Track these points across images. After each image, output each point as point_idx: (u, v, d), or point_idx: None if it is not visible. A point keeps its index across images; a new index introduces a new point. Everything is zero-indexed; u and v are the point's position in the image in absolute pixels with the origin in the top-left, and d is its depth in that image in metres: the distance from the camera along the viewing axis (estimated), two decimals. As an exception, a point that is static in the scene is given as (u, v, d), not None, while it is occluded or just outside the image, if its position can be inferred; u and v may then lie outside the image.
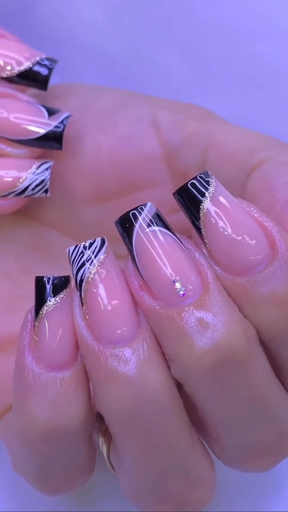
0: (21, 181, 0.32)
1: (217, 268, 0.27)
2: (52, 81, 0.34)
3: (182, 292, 0.26)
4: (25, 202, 0.33)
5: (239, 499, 0.35)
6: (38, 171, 0.32)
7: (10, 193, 0.32)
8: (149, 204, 0.27)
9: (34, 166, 0.32)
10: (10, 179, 0.32)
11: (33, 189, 0.32)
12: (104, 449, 0.31)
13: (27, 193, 0.32)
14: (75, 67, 0.36)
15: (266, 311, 0.26)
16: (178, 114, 0.33)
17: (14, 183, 0.32)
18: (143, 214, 0.27)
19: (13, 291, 0.34)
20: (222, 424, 0.27)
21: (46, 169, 0.32)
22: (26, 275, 0.35)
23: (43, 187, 0.32)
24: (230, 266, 0.27)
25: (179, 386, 0.27)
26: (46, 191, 0.32)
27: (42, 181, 0.32)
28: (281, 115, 0.38)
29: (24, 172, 0.32)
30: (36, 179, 0.32)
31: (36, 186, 0.32)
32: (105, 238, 0.27)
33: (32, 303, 0.33)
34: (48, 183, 0.32)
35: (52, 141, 0.32)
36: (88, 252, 0.27)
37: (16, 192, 0.32)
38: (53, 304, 0.27)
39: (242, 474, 0.32)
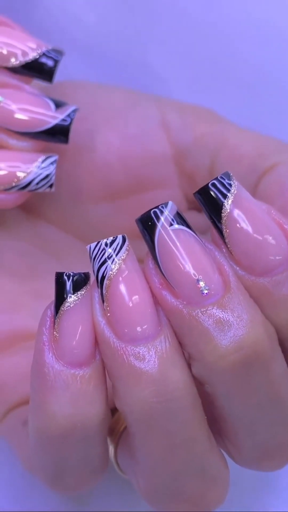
0: (25, 174, 0.31)
1: (237, 268, 0.27)
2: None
3: (206, 291, 0.26)
4: (29, 196, 0.32)
5: (239, 499, 0.35)
6: (43, 165, 0.31)
7: (13, 187, 0.31)
8: (170, 203, 0.27)
9: (40, 160, 0.31)
10: (14, 172, 0.31)
11: (37, 183, 0.31)
12: (111, 449, 0.30)
13: (31, 187, 0.31)
14: (68, 68, 0.35)
15: (287, 311, 0.27)
16: (187, 115, 0.34)
17: (18, 177, 0.31)
18: (165, 213, 0.27)
19: (17, 288, 0.33)
20: (239, 423, 0.27)
21: (52, 163, 0.31)
22: (29, 272, 0.34)
23: (48, 181, 0.32)
24: (251, 267, 0.27)
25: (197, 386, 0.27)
26: (51, 186, 0.32)
27: (47, 176, 0.31)
28: (269, 116, 0.38)
29: (29, 165, 0.31)
30: (41, 173, 0.31)
31: (41, 180, 0.31)
32: (125, 236, 0.27)
33: (35, 301, 0.33)
34: (53, 177, 0.31)
35: (58, 134, 0.31)
36: (109, 250, 0.27)
37: (20, 186, 0.31)
38: (73, 301, 0.27)
39: (241, 474, 0.33)
